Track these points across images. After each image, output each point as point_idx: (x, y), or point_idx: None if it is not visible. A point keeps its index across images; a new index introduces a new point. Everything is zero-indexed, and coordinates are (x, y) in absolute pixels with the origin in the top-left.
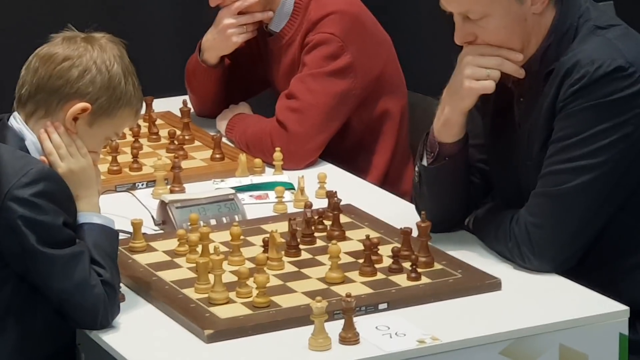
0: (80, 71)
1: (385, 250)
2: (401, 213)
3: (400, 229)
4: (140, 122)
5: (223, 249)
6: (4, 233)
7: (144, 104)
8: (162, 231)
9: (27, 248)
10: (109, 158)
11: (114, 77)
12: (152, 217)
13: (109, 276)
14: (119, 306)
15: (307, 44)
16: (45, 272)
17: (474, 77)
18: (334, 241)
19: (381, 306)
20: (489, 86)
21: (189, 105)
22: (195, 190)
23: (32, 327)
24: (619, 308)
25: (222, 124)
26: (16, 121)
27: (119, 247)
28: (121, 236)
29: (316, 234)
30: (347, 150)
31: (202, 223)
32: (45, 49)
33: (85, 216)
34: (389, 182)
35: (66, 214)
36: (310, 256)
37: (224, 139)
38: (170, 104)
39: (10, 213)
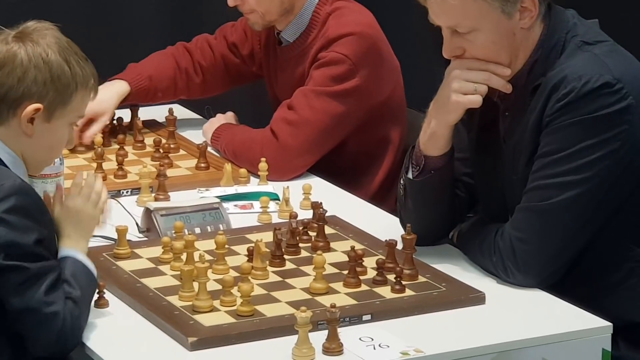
0: (20, 73)
1: (369, 262)
2: (385, 226)
3: (385, 241)
4: (126, 129)
5: (207, 257)
6: None
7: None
8: (146, 238)
9: None
10: (94, 165)
11: (55, 68)
12: (137, 224)
13: (79, 295)
14: (81, 333)
15: (319, 60)
16: (10, 288)
17: (461, 91)
18: (319, 252)
19: (365, 317)
20: (476, 100)
21: (175, 113)
22: (180, 198)
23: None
24: (602, 324)
25: (208, 132)
26: None
27: (103, 254)
28: (105, 242)
29: (301, 245)
30: (341, 169)
31: (186, 231)
32: None
33: (69, 251)
34: (376, 200)
35: (40, 228)
36: (294, 266)
37: (209, 149)
38: (156, 112)
39: None
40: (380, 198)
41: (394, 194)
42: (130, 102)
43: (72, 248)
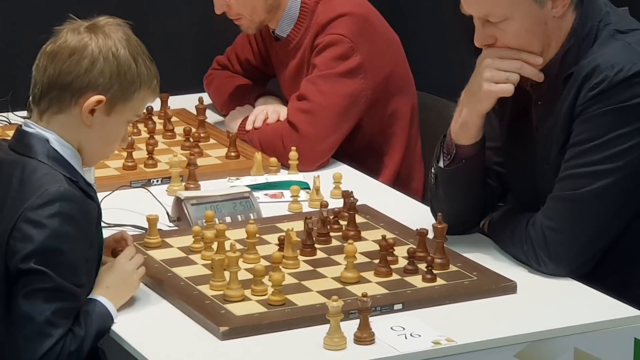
0: (88, 63)
1: (400, 251)
2: (415, 214)
3: (416, 230)
4: (156, 118)
5: (238, 246)
6: (12, 252)
7: (159, 83)
8: (176, 228)
9: (23, 267)
10: (124, 154)
11: (122, 63)
12: (167, 213)
13: (82, 335)
14: None
15: (317, 46)
16: (26, 289)
17: (493, 80)
18: (349, 241)
19: (396, 307)
20: (507, 89)
21: (205, 102)
22: (210, 187)
23: None
24: (634, 313)
25: (233, 125)
26: (30, 127)
27: (134, 243)
28: (136, 232)
29: (331, 234)
30: (358, 151)
31: (217, 220)
32: (50, 46)
33: (100, 297)
34: (399, 182)
35: (84, 237)
36: (325, 255)
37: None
38: (186, 101)
39: (20, 233)
40: (402, 180)
41: (416, 175)
42: None
43: (104, 297)
